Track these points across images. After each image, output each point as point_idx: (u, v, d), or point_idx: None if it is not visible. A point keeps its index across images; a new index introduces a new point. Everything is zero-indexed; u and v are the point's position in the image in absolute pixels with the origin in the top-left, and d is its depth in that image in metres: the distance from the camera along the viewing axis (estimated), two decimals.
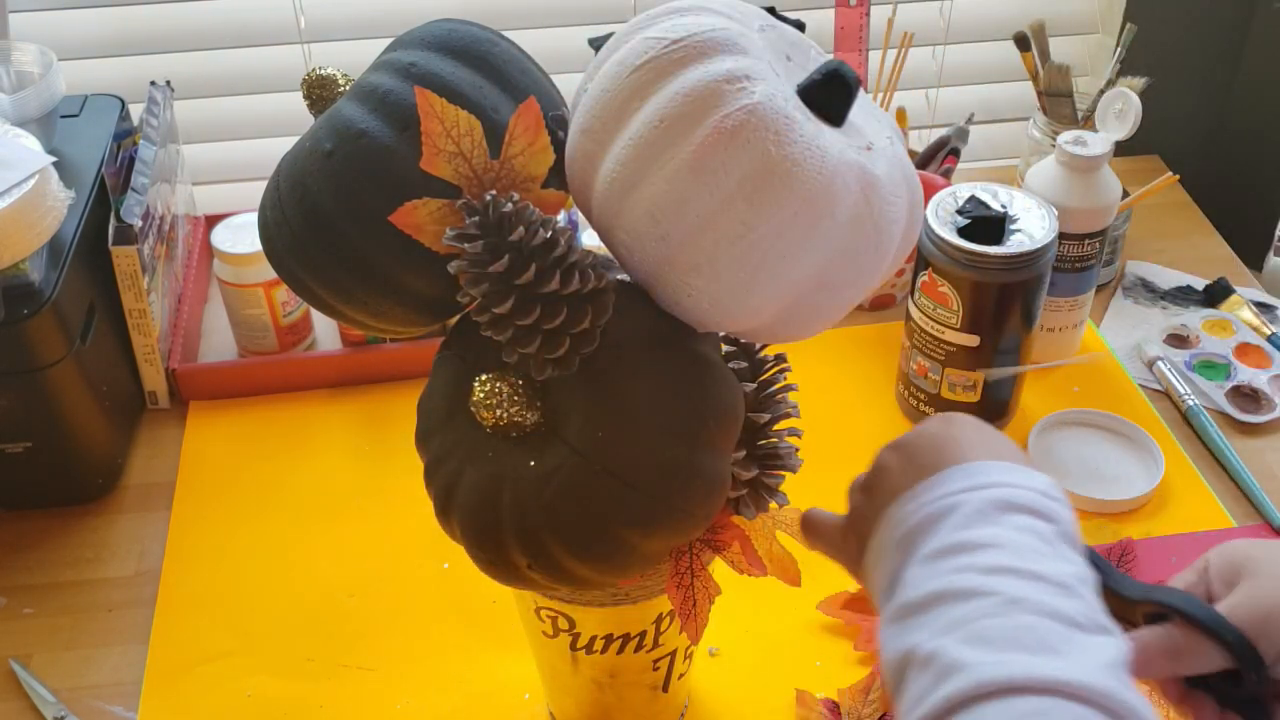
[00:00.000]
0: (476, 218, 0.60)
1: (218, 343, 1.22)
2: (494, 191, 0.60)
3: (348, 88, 0.70)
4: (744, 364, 0.72)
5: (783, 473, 0.71)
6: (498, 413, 0.61)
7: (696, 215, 0.61)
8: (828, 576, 0.98)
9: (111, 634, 0.97)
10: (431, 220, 0.63)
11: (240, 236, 1.15)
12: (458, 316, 0.70)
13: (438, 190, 0.64)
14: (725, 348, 0.72)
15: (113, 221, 1.06)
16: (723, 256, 0.61)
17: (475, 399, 0.62)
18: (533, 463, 0.62)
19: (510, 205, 0.60)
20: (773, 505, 0.72)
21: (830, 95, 0.64)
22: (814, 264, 0.62)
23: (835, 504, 1.03)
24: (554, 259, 0.60)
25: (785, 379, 0.73)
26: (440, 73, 0.66)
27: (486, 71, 0.67)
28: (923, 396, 1.10)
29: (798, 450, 0.72)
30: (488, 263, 0.59)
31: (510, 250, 0.59)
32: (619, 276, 0.66)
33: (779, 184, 0.60)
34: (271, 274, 0.86)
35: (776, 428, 0.71)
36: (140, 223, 1.07)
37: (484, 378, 0.62)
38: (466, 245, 0.59)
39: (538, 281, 0.60)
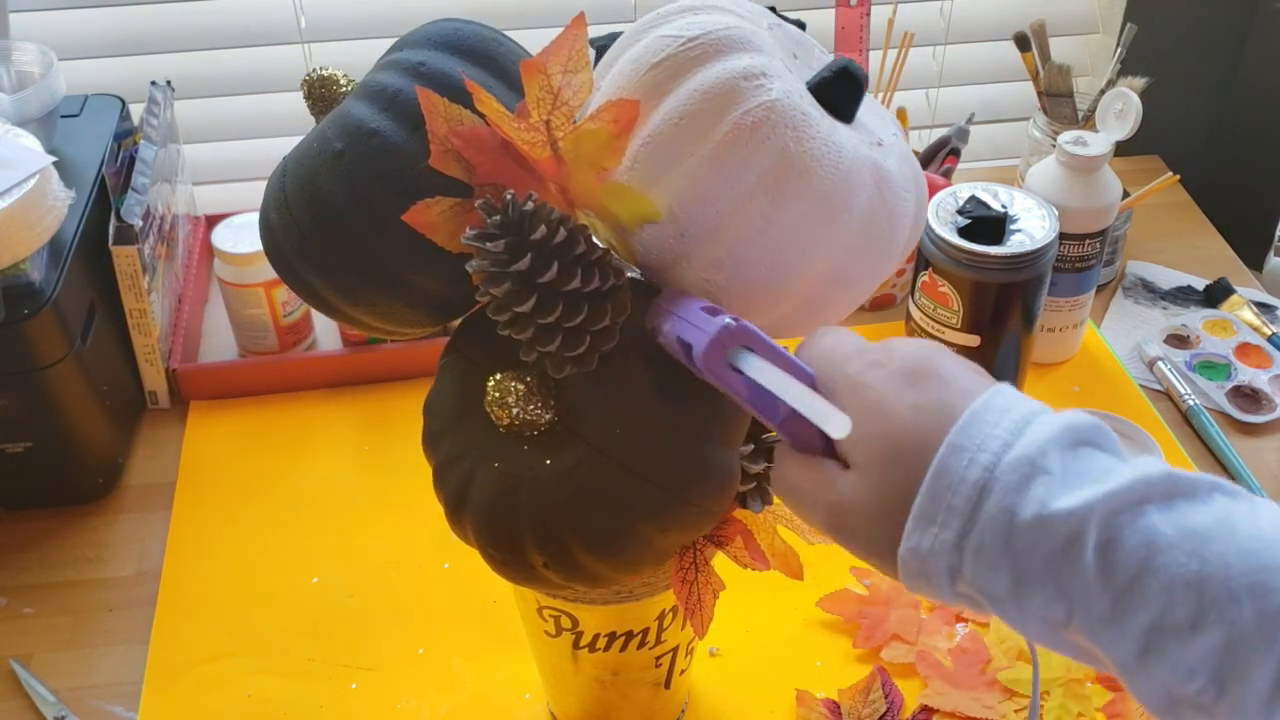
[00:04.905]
0: (497, 217, 0.59)
1: (218, 343, 1.22)
2: (512, 190, 0.60)
3: (349, 88, 0.69)
4: None
5: None
6: (513, 411, 0.61)
7: (716, 211, 0.61)
8: (828, 574, 0.98)
9: (111, 634, 0.96)
10: (445, 219, 0.63)
11: (241, 236, 1.15)
12: (460, 318, 0.70)
13: (451, 190, 0.64)
14: None
15: (113, 221, 1.06)
16: (741, 251, 0.62)
17: (490, 398, 0.62)
18: (549, 461, 0.62)
19: (530, 203, 0.60)
20: (776, 499, 0.72)
21: (841, 92, 0.64)
22: (830, 258, 0.62)
23: None
24: (574, 257, 0.60)
25: None
26: (449, 71, 0.65)
27: (494, 70, 0.67)
28: None
29: None
30: (509, 262, 0.59)
31: (532, 249, 0.59)
32: (631, 274, 0.66)
33: (798, 179, 0.60)
34: (272, 274, 0.86)
35: None
36: (140, 223, 1.06)
37: (498, 377, 0.62)
38: (488, 244, 0.59)
39: (559, 279, 0.59)
